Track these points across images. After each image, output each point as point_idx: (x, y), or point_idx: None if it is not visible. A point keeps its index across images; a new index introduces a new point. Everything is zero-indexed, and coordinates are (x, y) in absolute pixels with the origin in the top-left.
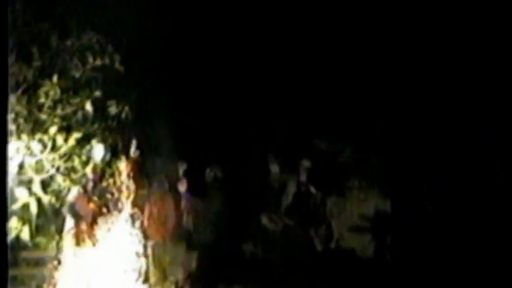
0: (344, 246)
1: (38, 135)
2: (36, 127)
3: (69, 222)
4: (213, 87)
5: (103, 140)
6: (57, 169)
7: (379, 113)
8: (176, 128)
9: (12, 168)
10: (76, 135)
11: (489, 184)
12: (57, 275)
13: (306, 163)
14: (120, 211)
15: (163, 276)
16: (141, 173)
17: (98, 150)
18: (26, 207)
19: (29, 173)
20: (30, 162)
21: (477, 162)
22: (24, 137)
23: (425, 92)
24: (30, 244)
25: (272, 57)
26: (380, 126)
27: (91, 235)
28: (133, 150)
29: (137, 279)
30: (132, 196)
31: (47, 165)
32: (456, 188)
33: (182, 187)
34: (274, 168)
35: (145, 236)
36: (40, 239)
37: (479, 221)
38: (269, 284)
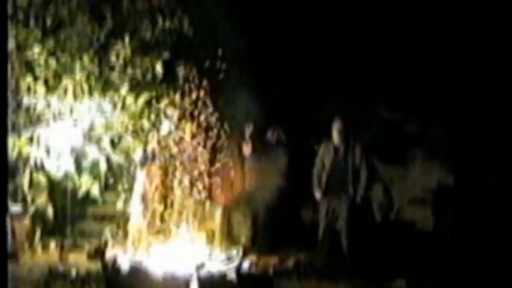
0: (404, 218)
1: (109, 95)
2: (107, 87)
3: (138, 180)
4: (279, 52)
5: (171, 102)
6: (126, 128)
7: (446, 83)
8: (242, 90)
9: (84, 125)
10: (145, 95)
11: None
12: (124, 231)
13: (368, 132)
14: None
15: (228, 239)
16: (206, 135)
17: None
18: (96, 164)
19: (99, 130)
20: (100, 120)
21: None
22: (95, 96)
23: (494, 64)
24: (99, 200)
25: (336, 26)
26: (446, 98)
27: (158, 196)
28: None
29: (201, 241)
30: (199, 159)
31: (117, 124)
32: None
33: (247, 150)
34: (336, 135)
35: (211, 199)
36: (108, 196)
37: None
38: (327, 252)
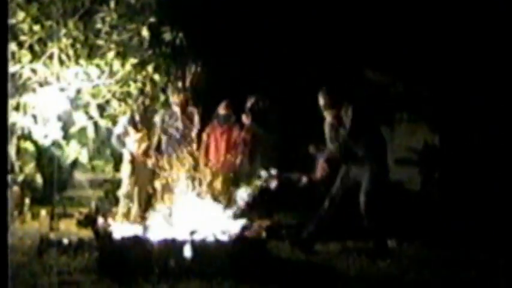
0: (391, 178)
1: (96, 61)
2: (93, 52)
3: (127, 145)
4: (262, 16)
5: (157, 67)
6: (113, 94)
7: (432, 46)
8: (229, 57)
9: (70, 92)
10: (132, 60)
11: None
12: (115, 197)
13: (355, 95)
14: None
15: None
16: (195, 103)
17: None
18: (83, 130)
19: (86, 97)
20: (87, 87)
21: None
22: (82, 62)
23: (479, 29)
24: (88, 166)
25: None
26: (432, 60)
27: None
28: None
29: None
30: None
31: (104, 90)
32: (506, 123)
33: (247, 120)
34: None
35: (200, 166)
36: (97, 162)
37: None
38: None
